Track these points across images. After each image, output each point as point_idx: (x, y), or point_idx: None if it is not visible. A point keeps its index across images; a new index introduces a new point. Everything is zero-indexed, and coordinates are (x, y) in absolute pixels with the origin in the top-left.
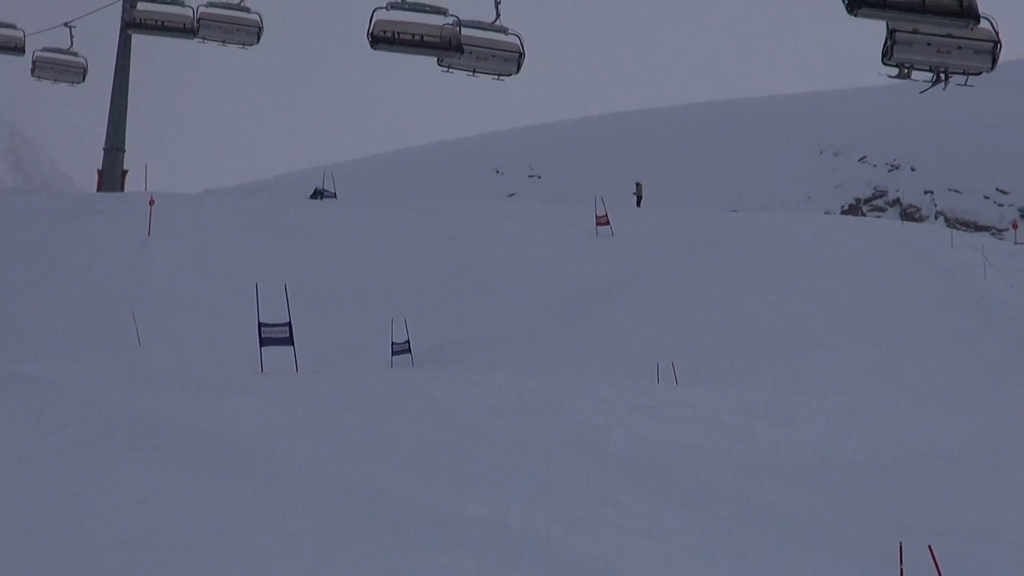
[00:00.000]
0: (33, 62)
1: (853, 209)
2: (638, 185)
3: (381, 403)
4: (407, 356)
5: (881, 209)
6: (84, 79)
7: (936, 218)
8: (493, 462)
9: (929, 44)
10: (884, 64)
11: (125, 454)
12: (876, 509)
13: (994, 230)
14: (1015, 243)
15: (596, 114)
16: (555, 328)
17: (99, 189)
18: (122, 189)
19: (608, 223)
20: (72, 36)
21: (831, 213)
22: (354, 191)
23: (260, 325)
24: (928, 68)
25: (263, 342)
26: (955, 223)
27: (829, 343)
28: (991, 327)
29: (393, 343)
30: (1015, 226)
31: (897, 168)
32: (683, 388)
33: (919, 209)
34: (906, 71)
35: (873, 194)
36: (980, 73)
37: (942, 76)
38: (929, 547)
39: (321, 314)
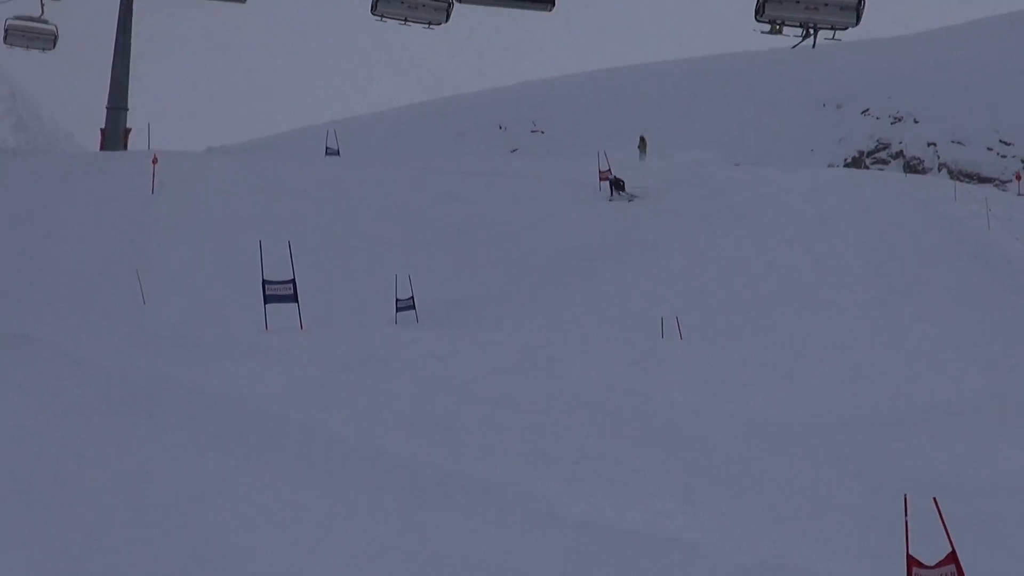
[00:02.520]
0: (4, 30)
1: (856, 162)
2: (642, 139)
3: (382, 363)
4: (411, 312)
5: (884, 162)
6: (55, 46)
7: (939, 170)
8: (493, 422)
9: (798, 1)
10: (757, 21)
11: (126, 419)
12: (876, 463)
13: (997, 182)
14: (1018, 194)
15: (598, 68)
16: (557, 286)
17: (102, 148)
18: (125, 147)
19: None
20: (43, 3)
21: (834, 166)
22: (356, 148)
23: (264, 282)
24: (798, 24)
25: (267, 299)
26: (958, 175)
27: (830, 298)
28: (994, 279)
29: (397, 300)
30: (1018, 177)
31: (900, 120)
32: (682, 346)
33: (922, 161)
34: (778, 27)
35: (876, 147)
36: (847, 28)
37: (811, 31)
38: (934, 499)
39: (323, 272)
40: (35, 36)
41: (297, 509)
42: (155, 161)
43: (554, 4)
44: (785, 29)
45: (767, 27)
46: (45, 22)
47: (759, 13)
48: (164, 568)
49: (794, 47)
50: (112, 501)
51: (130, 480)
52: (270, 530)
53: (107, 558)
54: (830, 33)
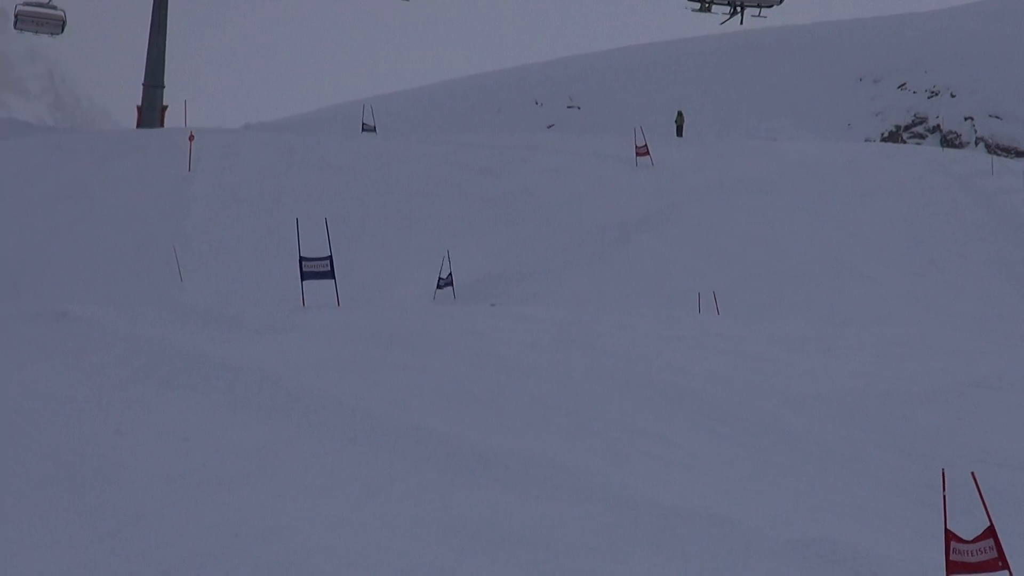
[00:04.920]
0: (15, 15)
1: (893, 136)
2: (679, 114)
3: (420, 339)
4: (449, 289)
5: (921, 136)
6: (63, 31)
7: (976, 144)
8: (532, 397)
9: None
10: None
11: (166, 392)
12: (916, 438)
13: None
14: None
15: (635, 43)
16: (594, 260)
17: (138, 125)
18: (162, 125)
19: (648, 153)
20: None
21: (871, 140)
22: (393, 124)
23: (301, 259)
24: (726, 3)
25: (304, 276)
26: (996, 149)
27: (867, 273)
28: None
29: (439, 277)
30: None
31: (937, 95)
32: (721, 320)
33: (959, 135)
34: (707, 5)
35: (913, 121)
36: (771, 6)
37: (738, 9)
38: (972, 474)
39: (361, 248)
40: (44, 21)
41: (337, 484)
42: (192, 138)
43: None
44: (714, 8)
45: (697, 5)
46: (54, 8)
47: None
48: (204, 543)
49: (723, 23)
50: (152, 476)
51: (169, 455)
52: (310, 505)
53: (147, 534)
54: (755, 10)
